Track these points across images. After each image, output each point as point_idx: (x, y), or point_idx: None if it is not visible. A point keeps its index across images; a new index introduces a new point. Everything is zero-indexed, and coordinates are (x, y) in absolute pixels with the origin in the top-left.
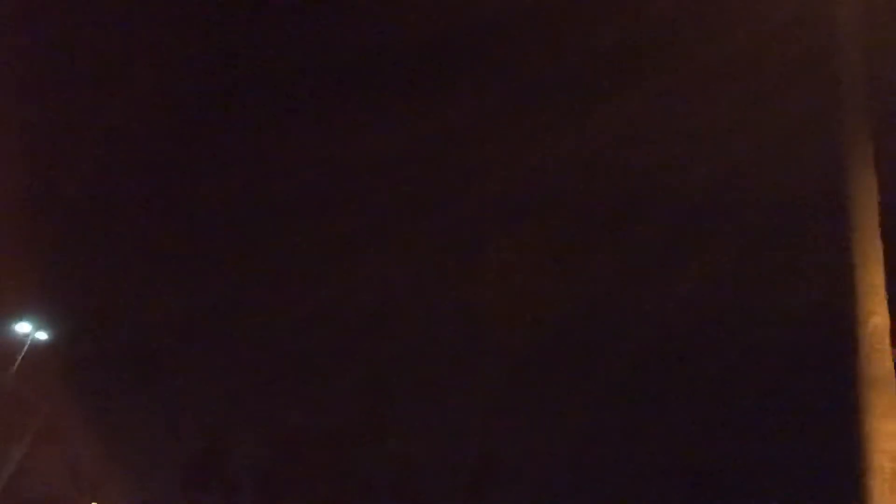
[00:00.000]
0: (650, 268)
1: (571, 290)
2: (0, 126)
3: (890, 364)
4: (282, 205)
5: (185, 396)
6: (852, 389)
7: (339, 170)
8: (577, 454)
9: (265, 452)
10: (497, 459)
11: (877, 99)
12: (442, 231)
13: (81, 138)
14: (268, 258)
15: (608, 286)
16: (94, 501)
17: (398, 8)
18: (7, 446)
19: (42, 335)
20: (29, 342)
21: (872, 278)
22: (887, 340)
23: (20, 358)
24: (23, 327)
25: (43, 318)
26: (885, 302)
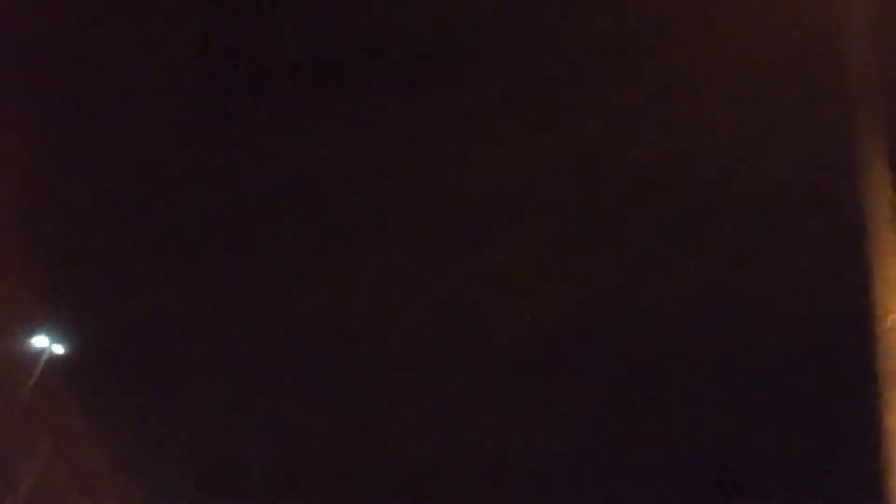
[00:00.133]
0: (650, 267)
1: (571, 290)
2: (4, 135)
3: None
4: (282, 205)
5: (196, 403)
6: (870, 387)
7: (339, 170)
8: (579, 453)
9: (270, 453)
10: (498, 459)
11: (888, 93)
12: (442, 231)
13: (86, 145)
14: (269, 259)
15: (608, 286)
16: None
17: (395, 5)
18: (25, 460)
19: (58, 349)
20: (45, 356)
21: (889, 274)
22: None
23: (37, 372)
24: (40, 341)
25: (59, 332)
26: None
